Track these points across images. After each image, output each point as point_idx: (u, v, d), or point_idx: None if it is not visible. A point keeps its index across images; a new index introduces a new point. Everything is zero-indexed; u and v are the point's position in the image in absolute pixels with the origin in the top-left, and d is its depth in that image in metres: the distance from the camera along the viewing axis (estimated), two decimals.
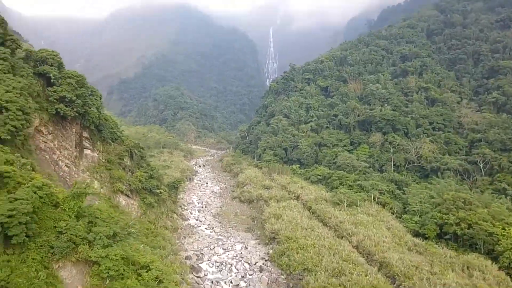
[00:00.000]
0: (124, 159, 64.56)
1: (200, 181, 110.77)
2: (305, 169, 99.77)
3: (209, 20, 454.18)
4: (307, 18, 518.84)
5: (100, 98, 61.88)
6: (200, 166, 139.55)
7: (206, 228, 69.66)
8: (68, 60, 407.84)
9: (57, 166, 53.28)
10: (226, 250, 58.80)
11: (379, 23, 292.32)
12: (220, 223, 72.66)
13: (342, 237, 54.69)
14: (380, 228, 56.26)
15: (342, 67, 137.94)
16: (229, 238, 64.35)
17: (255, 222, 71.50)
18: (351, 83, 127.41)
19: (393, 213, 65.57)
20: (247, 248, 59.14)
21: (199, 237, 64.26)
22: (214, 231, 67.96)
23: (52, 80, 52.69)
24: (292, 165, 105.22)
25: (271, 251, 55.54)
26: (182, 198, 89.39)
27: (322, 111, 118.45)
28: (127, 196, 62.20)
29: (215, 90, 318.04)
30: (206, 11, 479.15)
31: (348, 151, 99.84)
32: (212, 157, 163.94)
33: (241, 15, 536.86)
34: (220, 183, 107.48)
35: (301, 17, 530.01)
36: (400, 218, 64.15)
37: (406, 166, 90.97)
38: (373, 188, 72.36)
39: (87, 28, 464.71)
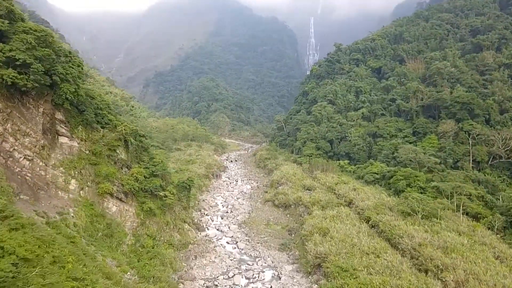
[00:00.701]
0: (117, 151, 47.61)
1: (228, 178, 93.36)
2: (357, 166, 79.85)
3: (247, 10, 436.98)
4: (349, 6, 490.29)
5: (80, 67, 45.03)
6: (231, 161, 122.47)
7: (228, 243, 52.00)
8: (110, 54, 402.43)
9: (10, 159, 37.08)
10: (251, 281, 40.77)
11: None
12: (246, 235, 54.71)
13: (426, 271, 35.01)
14: (486, 256, 36.14)
15: (397, 45, 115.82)
16: (257, 259, 46.27)
17: (293, 236, 52.90)
18: (409, 63, 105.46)
19: (493, 230, 44.97)
20: (280, 279, 40.75)
21: (216, 257, 46.56)
22: (238, 247, 50.15)
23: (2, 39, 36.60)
24: (339, 160, 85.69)
25: None
26: (203, 200, 72.22)
27: (376, 95, 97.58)
28: (120, 200, 45.39)
29: (253, 82, 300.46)
30: (244, 1, 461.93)
31: (411, 142, 78.71)
32: (246, 151, 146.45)
33: (281, 5, 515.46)
34: (252, 181, 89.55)
35: (342, 5, 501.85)
36: (504, 236, 43.71)
37: (490, 162, 69.14)
38: (456, 192, 51.75)
39: (127, 22, 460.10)
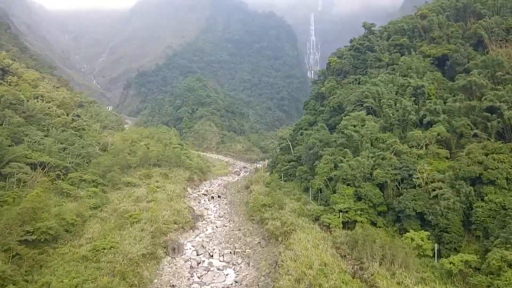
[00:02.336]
0: None
1: (197, 250, 50.62)
2: (451, 247, 37.89)
3: (242, 5, 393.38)
4: (351, 1, 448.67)
5: None
6: (212, 197, 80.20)
7: None
8: (93, 54, 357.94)
9: None
10: None
11: None
12: None
13: None
14: None
15: (464, 22, 73.50)
16: None
17: None
18: (494, 48, 63.39)
19: None
20: None
21: None
22: None
23: None
24: (401, 223, 44.19)
25: None
26: None
27: (452, 100, 55.28)
28: None
29: (248, 82, 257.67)
30: None
31: None
32: (237, 176, 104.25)
33: (280, 3, 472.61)
34: (241, 262, 47.31)
35: (344, 0, 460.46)
36: None
37: None
38: None
39: (113, 19, 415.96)
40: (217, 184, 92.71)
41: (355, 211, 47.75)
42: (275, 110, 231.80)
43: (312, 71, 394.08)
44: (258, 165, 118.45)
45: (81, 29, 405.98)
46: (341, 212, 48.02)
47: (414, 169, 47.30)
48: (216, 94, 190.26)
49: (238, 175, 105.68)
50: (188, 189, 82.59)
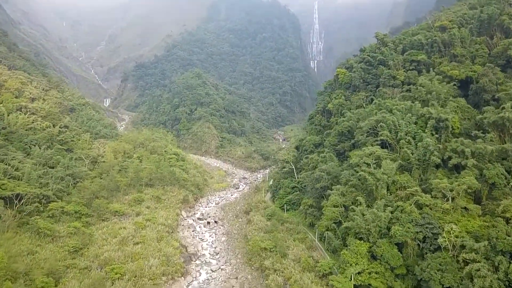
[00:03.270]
0: None
1: None
2: None
3: None
4: None
5: None
6: (209, 222, 73.71)
7: None
8: (91, 41, 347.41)
9: None
10: None
11: None
12: None
13: None
14: None
15: (492, 36, 65.49)
16: None
17: None
18: None
19: None
20: None
21: None
22: None
23: None
24: None
25: None
26: None
27: (480, 140, 48.04)
28: None
29: (250, 75, 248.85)
30: None
31: None
32: (236, 190, 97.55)
33: None
34: None
35: None
36: None
37: None
38: None
39: (113, 6, 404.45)
40: (214, 203, 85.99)
41: (369, 274, 41.17)
42: (277, 106, 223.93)
43: (316, 61, 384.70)
44: (258, 176, 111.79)
45: (79, 16, 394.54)
46: (354, 278, 41.41)
47: (439, 228, 40.50)
48: (216, 91, 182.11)
49: (237, 188, 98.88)
50: (183, 212, 76.00)
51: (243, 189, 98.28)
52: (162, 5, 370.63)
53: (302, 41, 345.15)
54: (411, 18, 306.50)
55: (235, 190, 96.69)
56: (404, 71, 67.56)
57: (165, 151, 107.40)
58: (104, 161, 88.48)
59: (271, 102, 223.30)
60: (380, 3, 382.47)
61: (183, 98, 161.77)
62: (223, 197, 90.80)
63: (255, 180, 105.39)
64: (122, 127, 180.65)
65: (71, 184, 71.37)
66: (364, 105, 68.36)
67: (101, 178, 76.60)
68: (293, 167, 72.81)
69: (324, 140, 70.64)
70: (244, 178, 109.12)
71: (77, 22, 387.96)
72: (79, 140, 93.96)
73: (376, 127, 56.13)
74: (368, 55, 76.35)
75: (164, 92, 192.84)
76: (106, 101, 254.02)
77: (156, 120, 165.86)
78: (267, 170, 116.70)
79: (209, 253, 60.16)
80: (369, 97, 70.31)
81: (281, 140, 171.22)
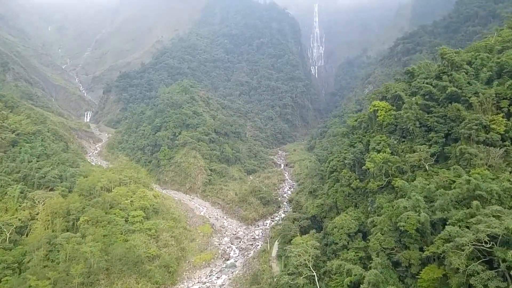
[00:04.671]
0: None
1: None
2: None
3: None
4: None
5: None
6: None
7: None
8: (77, 47, 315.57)
9: None
10: None
11: None
12: None
13: None
14: None
15: None
16: None
17: None
18: None
19: None
20: None
21: None
22: None
23: None
24: None
25: None
26: None
27: None
28: None
29: (246, 85, 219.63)
30: None
31: None
32: (226, 267, 68.30)
33: None
34: None
35: None
36: None
37: None
38: None
39: (101, 9, 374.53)
40: None
41: None
42: (277, 120, 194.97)
43: (316, 67, 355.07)
44: (257, 233, 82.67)
45: (66, 19, 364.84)
46: None
47: None
48: (207, 107, 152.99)
49: (227, 260, 69.72)
50: None
51: (235, 261, 69.11)
52: (153, 7, 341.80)
53: (302, 46, 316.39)
54: (419, 21, 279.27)
55: (224, 266, 67.39)
56: (503, 117, 39.01)
57: (131, 202, 78.40)
58: (32, 234, 59.65)
59: (270, 116, 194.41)
60: (384, 5, 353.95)
61: (166, 118, 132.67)
62: (205, 283, 61.53)
63: (252, 243, 76.23)
64: (96, 151, 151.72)
65: None
66: (428, 167, 39.33)
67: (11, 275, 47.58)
68: (314, 273, 43.58)
69: (365, 227, 41.58)
70: (237, 238, 79.83)
71: (63, 26, 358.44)
72: (1, 198, 64.96)
73: (488, 242, 27.13)
74: (429, 83, 47.34)
75: (147, 108, 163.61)
76: (87, 114, 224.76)
77: (135, 144, 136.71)
78: (268, 222, 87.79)
79: None
80: (436, 153, 41.27)
81: (282, 166, 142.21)
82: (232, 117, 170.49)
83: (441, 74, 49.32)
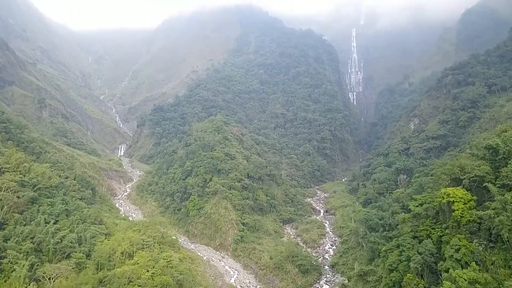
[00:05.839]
0: None
1: None
2: None
3: (277, 22, 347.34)
4: (397, 13, 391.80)
5: None
6: None
7: None
8: (115, 77, 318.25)
9: None
10: None
11: None
12: None
13: None
14: None
15: None
16: None
17: None
18: None
19: None
20: None
21: None
22: None
23: None
24: None
25: None
26: None
27: None
28: None
29: (282, 117, 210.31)
30: (274, 12, 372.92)
31: None
32: None
33: (317, 15, 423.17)
34: None
35: (389, 12, 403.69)
36: None
37: None
38: None
39: (138, 39, 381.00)
40: None
41: None
42: (315, 155, 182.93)
43: (355, 93, 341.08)
44: None
45: (104, 50, 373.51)
46: None
47: None
48: (240, 145, 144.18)
49: None
50: None
51: None
52: (188, 36, 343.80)
53: (340, 73, 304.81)
54: (465, 46, 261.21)
55: None
56: None
57: (152, 275, 69.13)
58: None
59: (307, 151, 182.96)
60: (426, 29, 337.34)
61: (197, 161, 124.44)
62: None
63: None
64: (126, 193, 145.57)
65: None
66: None
67: None
68: None
69: None
70: None
71: (102, 57, 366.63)
72: (7, 279, 57.50)
73: None
74: None
75: (179, 146, 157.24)
76: (121, 147, 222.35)
77: (164, 188, 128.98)
78: None
79: None
80: None
81: (321, 212, 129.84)
82: (267, 154, 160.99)
83: None
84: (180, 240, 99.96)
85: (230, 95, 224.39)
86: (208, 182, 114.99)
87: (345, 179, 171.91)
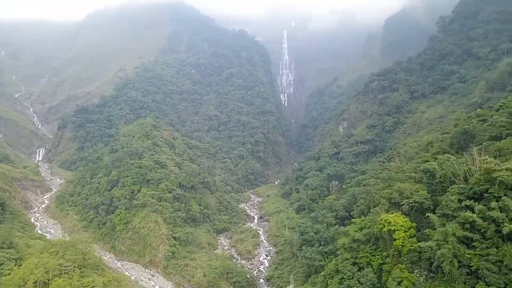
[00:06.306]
0: None
1: None
2: None
3: (209, 21, 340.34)
4: (328, 16, 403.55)
5: None
6: None
7: None
8: (34, 73, 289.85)
9: None
10: None
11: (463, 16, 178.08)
12: None
13: None
14: None
15: None
16: None
17: None
18: None
19: None
20: None
21: None
22: None
23: None
24: None
25: None
26: None
27: None
28: None
29: (215, 120, 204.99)
30: (206, 11, 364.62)
31: None
32: None
33: (249, 16, 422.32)
34: None
35: (320, 16, 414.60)
36: None
37: None
38: None
39: (60, 33, 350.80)
40: None
41: None
42: (249, 159, 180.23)
43: (286, 94, 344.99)
44: None
45: (22, 44, 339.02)
46: None
47: None
48: (171, 151, 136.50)
49: None
50: None
51: None
52: (116, 32, 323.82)
53: (272, 75, 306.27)
54: (388, 51, 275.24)
55: None
56: None
57: None
58: None
59: (241, 155, 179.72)
60: (354, 33, 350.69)
61: (124, 170, 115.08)
62: None
63: None
64: (44, 205, 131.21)
65: None
66: None
67: None
68: None
69: None
70: None
71: (19, 51, 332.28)
72: None
73: None
74: (464, 205, 33.92)
75: (105, 151, 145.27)
76: (39, 152, 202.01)
77: (88, 200, 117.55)
78: None
79: None
80: None
81: (256, 219, 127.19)
82: (200, 159, 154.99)
83: (483, 194, 36.54)
84: (106, 258, 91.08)
85: (160, 95, 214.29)
86: (136, 194, 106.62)
87: (278, 181, 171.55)
